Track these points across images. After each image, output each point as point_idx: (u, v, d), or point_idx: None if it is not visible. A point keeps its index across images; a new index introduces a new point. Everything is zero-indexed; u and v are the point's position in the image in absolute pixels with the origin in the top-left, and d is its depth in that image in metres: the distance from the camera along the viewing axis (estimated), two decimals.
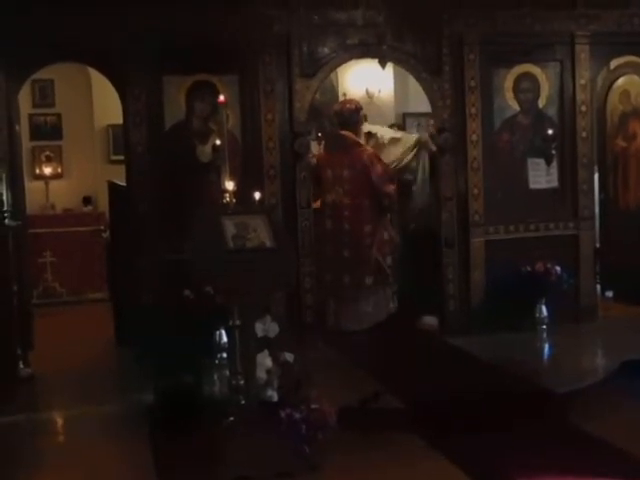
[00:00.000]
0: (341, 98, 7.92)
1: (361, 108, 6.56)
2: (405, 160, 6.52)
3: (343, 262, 6.31)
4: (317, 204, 6.30)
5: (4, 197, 5.14)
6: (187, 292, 5.08)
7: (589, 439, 4.16)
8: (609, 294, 7.10)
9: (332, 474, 3.70)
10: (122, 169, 5.83)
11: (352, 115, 6.41)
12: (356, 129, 6.43)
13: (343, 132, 6.41)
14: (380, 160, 6.37)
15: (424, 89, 6.09)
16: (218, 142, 5.10)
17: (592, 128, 6.45)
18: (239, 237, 3.95)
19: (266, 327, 4.48)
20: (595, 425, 4.25)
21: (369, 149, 6.46)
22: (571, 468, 3.74)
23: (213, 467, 3.73)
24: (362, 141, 6.50)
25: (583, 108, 6.27)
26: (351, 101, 6.75)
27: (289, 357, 4.13)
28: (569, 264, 6.15)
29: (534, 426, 4.25)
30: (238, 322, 4.09)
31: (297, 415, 3.65)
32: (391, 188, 6.30)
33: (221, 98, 4.82)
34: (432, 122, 6.88)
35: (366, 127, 6.66)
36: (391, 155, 6.51)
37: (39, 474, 3.92)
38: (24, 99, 7.24)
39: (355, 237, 6.30)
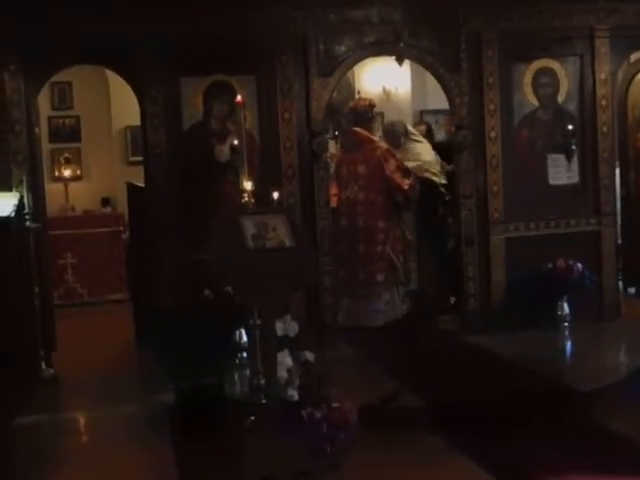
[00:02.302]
0: (356, 96, 7.94)
1: (374, 105, 6.60)
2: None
3: (358, 258, 6.31)
4: (334, 203, 6.31)
5: (25, 199, 5.17)
6: (207, 292, 5.09)
7: (613, 437, 4.11)
8: (631, 291, 7.03)
9: (353, 473, 3.68)
10: (141, 170, 5.85)
11: (367, 111, 6.45)
12: (369, 126, 6.48)
13: (356, 129, 6.44)
14: (394, 156, 6.37)
15: (442, 86, 6.06)
16: (236, 142, 5.10)
17: (613, 123, 6.37)
18: (259, 237, 3.95)
19: (286, 326, 4.49)
20: (619, 423, 4.19)
21: (383, 145, 6.49)
22: (595, 467, 3.70)
23: (234, 467, 3.72)
24: (375, 138, 6.54)
25: (603, 102, 6.20)
26: (364, 99, 6.85)
27: (309, 356, 4.12)
28: (591, 261, 6.08)
29: (557, 425, 4.20)
30: (258, 322, 4.10)
31: (318, 414, 3.64)
32: (405, 184, 6.28)
33: (238, 98, 4.82)
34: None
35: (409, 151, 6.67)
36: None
37: (61, 474, 3.94)
38: (43, 102, 7.28)
39: (369, 233, 6.30)
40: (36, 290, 5.18)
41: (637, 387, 4.68)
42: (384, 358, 5.41)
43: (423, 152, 6.68)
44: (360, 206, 6.34)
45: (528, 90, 6.15)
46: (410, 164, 6.44)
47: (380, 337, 6.04)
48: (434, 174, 6.56)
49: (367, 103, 6.56)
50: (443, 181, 6.52)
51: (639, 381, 4.76)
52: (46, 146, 8.05)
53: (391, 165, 6.30)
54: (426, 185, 6.45)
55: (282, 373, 4.01)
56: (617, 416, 4.28)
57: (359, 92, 8.26)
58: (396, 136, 6.71)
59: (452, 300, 6.57)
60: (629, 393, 4.60)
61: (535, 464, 3.78)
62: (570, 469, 3.65)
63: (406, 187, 6.27)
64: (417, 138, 6.79)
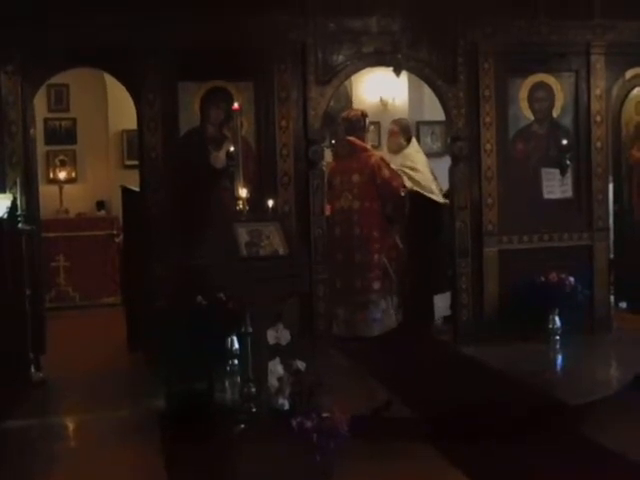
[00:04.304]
0: (354, 106, 7.98)
1: (367, 115, 6.67)
2: None
3: (354, 267, 6.32)
4: (327, 212, 6.31)
5: (18, 201, 5.15)
6: (199, 298, 5.08)
7: (603, 451, 4.12)
8: (623, 305, 7.06)
9: None
10: (136, 174, 5.84)
11: (359, 120, 6.52)
12: (362, 135, 6.54)
13: (349, 138, 6.47)
14: (387, 165, 6.42)
15: (439, 98, 6.08)
16: (232, 149, 5.10)
17: (607, 138, 6.41)
18: (252, 244, 3.95)
19: (278, 334, 4.46)
20: (609, 437, 4.20)
21: (376, 154, 6.58)
22: None
23: (223, 474, 3.71)
24: (369, 147, 6.61)
25: (598, 118, 6.25)
26: (357, 109, 6.97)
27: (301, 365, 4.10)
28: (583, 275, 6.10)
29: (547, 438, 4.21)
30: (250, 329, 4.09)
31: (308, 423, 3.62)
32: (397, 194, 6.30)
33: (235, 105, 4.82)
34: None
35: (407, 157, 6.69)
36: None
37: (50, 478, 3.92)
38: (39, 103, 7.27)
39: (365, 241, 6.32)
40: (28, 292, 5.16)
41: (628, 401, 4.69)
42: (376, 368, 5.41)
43: (420, 163, 6.70)
44: (355, 215, 6.37)
45: (524, 104, 6.18)
46: (405, 169, 6.47)
47: (373, 347, 6.05)
48: (431, 191, 6.58)
49: (359, 113, 6.65)
50: (440, 200, 6.52)
51: (630, 395, 4.78)
52: (41, 148, 8.03)
53: (384, 174, 6.34)
54: (426, 201, 6.48)
55: (273, 381, 3.99)
56: (607, 430, 4.30)
57: (352, 103, 8.31)
58: (403, 125, 6.77)
59: (444, 311, 6.58)
60: (620, 407, 4.61)
61: (524, 476, 3.79)
62: None
63: (397, 197, 6.30)
64: (418, 150, 6.86)
